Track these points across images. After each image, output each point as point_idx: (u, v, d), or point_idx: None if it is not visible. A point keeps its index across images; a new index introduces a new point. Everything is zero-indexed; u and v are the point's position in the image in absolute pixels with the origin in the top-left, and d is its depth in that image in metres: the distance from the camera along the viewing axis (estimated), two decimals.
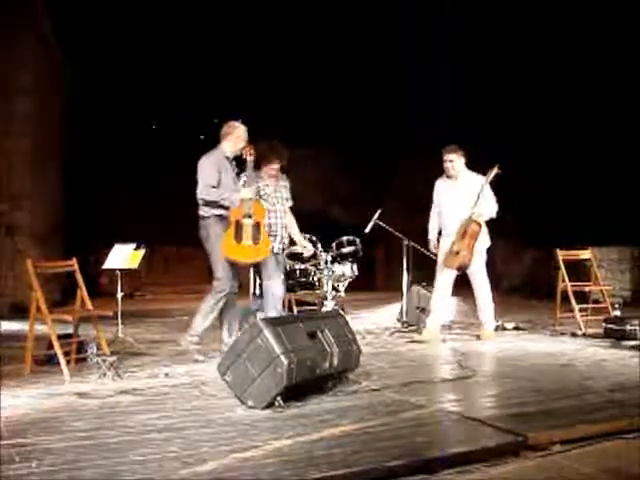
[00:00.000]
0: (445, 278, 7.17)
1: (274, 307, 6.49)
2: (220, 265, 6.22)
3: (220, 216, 6.21)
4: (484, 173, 7.10)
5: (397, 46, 11.30)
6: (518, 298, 11.41)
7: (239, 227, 6.13)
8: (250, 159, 6.33)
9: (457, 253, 6.93)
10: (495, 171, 6.93)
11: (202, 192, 6.19)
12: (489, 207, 7.07)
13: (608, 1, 9.58)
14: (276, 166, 6.60)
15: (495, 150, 10.78)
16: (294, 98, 12.10)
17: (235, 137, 6.41)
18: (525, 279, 12.38)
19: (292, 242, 7.23)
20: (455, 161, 7.12)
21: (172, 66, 11.64)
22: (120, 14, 10.36)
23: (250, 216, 6.14)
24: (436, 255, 7.35)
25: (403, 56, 11.40)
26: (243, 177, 6.45)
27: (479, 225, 6.94)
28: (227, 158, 6.37)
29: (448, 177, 7.24)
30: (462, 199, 7.03)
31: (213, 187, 6.17)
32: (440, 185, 7.36)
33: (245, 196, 6.15)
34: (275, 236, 6.55)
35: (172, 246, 12.01)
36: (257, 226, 6.17)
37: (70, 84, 10.61)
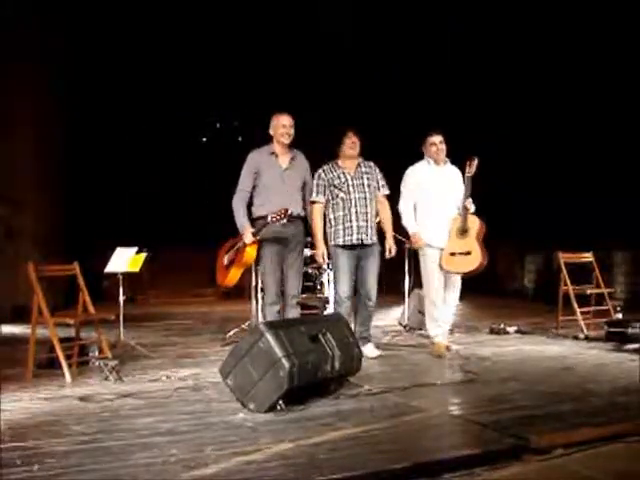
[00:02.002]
0: (441, 281, 6.57)
1: (367, 309, 6.36)
2: (264, 276, 6.27)
3: (262, 217, 6.11)
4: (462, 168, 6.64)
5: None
6: (520, 301, 11.40)
7: (232, 246, 6.27)
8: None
9: (468, 253, 6.34)
10: (475, 163, 6.42)
11: (235, 197, 6.17)
12: (471, 208, 6.55)
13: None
14: (348, 140, 6.30)
15: (495, 152, 10.88)
16: (296, 101, 12.10)
17: (272, 129, 6.22)
18: (527, 282, 12.37)
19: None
20: (443, 144, 6.62)
21: (174, 68, 11.66)
22: (123, 17, 10.38)
23: (237, 253, 6.18)
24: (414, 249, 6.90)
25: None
26: (318, 172, 6.36)
27: (482, 222, 6.44)
28: (274, 154, 6.17)
29: (434, 162, 6.62)
30: (451, 188, 6.57)
31: (246, 192, 6.13)
32: (420, 171, 6.66)
33: (244, 239, 6.02)
34: (350, 227, 6.25)
35: (175, 250, 12.01)
36: (231, 262, 6.23)
37: (71, 86, 10.62)
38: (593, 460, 3.61)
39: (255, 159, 6.17)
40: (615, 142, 9.86)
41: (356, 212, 6.27)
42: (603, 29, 9.57)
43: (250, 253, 6.06)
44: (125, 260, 6.80)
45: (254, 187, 6.17)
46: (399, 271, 8.40)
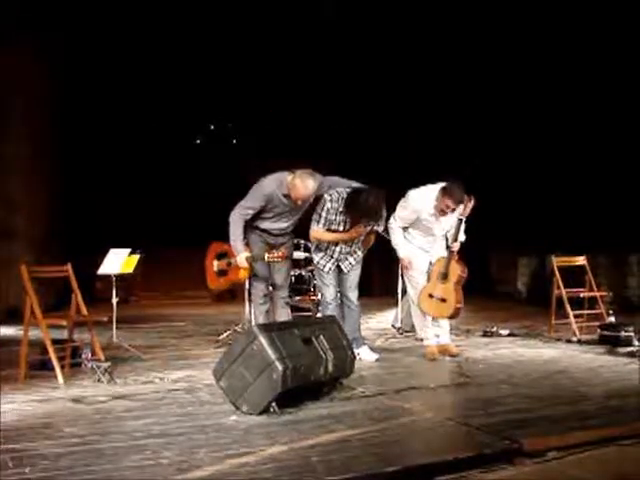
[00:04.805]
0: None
1: (351, 318, 6.37)
2: (253, 276, 6.34)
3: (257, 228, 6.22)
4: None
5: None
6: (513, 304, 11.41)
7: (222, 254, 6.38)
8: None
9: (443, 300, 6.26)
10: (471, 204, 6.18)
11: (236, 209, 6.09)
12: (461, 238, 6.42)
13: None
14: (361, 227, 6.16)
15: (490, 156, 10.90)
16: (292, 105, 12.12)
17: (291, 182, 5.97)
18: (520, 285, 12.38)
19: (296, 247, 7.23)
20: (457, 210, 6.23)
21: (170, 70, 11.64)
22: (119, 18, 10.36)
23: (229, 263, 6.30)
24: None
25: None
26: (327, 203, 6.14)
27: (464, 269, 6.30)
28: (288, 197, 6.03)
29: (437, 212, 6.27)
30: (450, 222, 6.37)
31: (246, 215, 6.06)
32: (424, 204, 6.29)
33: (238, 261, 6.04)
34: (331, 256, 6.28)
35: (168, 251, 11.99)
36: (222, 272, 6.45)
37: (67, 87, 10.60)
38: (586, 463, 3.63)
39: (269, 191, 6.03)
40: (608, 148, 9.89)
41: (341, 247, 6.30)
42: (593, 47, 9.63)
43: (244, 274, 6.25)
44: (118, 261, 6.78)
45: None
46: (392, 274, 8.39)
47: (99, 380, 5.38)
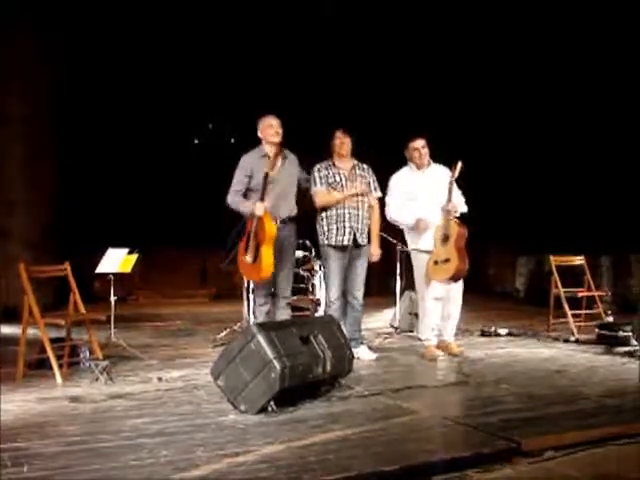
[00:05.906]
0: (437, 289, 6.45)
1: (353, 317, 6.37)
2: None
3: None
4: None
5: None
6: (511, 303, 11.42)
7: (248, 238, 5.99)
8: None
9: (447, 261, 6.24)
10: (459, 167, 6.28)
11: (228, 196, 6.13)
12: (461, 202, 6.54)
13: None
14: (337, 141, 6.33)
15: (488, 155, 10.90)
16: (290, 103, 12.09)
17: (261, 131, 6.16)
18: (519, 284, 12.38)
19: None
20: (426, 147, 6.52)
21: (166, 70, 11.64)
22: (118, 18, 10.36)
23: (256, 234, 5.89)
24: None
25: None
26: (315, 167, 6.34)
27: (463, 226, 6.37)
28: (266, 156, 6.09)
29: (417, 167, 6.54)
30: (438, 190, 6.38)
31: (239, 191, 6.07)
32: (405, 179, 6.58)
33: (256, 212, 5.85)
34: (342, 228, 6.23)
35: (166, 250, 11.98)
36: (257, 247, 5.88)
37: (67, 87, 10.60)
38: (584, 463, 3.63)
39: (247, 162, 6.13)
40: (607, 147, 9.89)
41: (349, 213, 6.25)
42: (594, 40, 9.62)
43: (269, 226, 5.84)
44: (116, 261, 6.78)
45: (246, 189, 6.13)
46: (390, 273, 8.39)
47: (97, 379, 5.38)
